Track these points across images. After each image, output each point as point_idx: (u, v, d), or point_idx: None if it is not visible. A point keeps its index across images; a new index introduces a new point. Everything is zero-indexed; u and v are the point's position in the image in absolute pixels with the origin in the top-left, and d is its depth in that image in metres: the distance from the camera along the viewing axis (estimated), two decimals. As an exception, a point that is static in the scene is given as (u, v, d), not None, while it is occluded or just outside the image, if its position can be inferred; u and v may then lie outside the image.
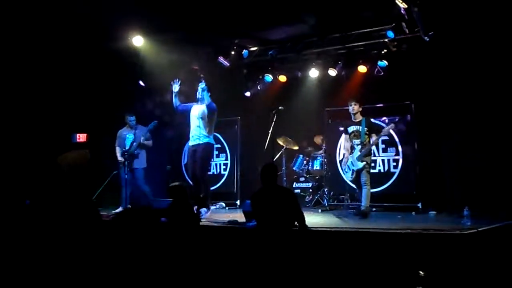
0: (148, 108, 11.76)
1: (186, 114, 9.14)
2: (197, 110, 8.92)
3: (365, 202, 8.35)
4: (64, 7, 8.54)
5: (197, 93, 8.91)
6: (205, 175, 8.91)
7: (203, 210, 8.52)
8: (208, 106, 8.71)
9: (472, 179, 7.95)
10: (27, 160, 10.39)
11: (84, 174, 7.25)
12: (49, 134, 10.92)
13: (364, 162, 8.42)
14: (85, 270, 5.61)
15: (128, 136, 9.96)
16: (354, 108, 8.72)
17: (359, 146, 8.49)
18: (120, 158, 9.84)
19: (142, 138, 9.75)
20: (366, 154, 8.50)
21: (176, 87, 9.08)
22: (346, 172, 8.80)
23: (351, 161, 8.60)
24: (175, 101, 9.11)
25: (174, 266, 6.65)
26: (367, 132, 8.56)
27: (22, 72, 10.50)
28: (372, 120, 8.97)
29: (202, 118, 8.82)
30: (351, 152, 8.66)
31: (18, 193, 8.82)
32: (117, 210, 9.56)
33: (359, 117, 8.70)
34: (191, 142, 8.98)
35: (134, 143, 9.78)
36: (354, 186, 9.06)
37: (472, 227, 6.17)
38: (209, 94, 8.76)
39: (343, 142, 9.02)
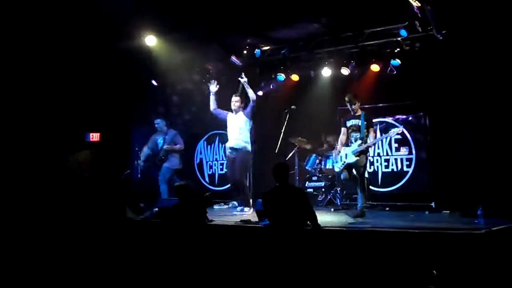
0: (161, 107, 11.82)
1: (219, 120, 9.76)
2: (235, 119, 9.37)
3: (361, 201, 8.26)
4: (78, 6, 8.59)
5: (232, 103, 9.44)
6: (244, 180, 9.38)
7: (246, 208, 9.18)
8: (247, 115, 9.36)
9: (486, 178, 7.88)
10: (40, 159, 10.48)
11: (94, 172, 7.32)
12: (62, 133, 10.99)
13: (357, 158, 8.21)
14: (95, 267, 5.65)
15: (159, 141, 10.52)
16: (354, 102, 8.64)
17: (359, 141, 8.33)
18: (142, 159, 10.52)
19: (166, 145, 10.33)
20: (364, 150, 8.32)
21: (213, 87, 9.52)
22: (336, 162, 8.62)
23: (346, 153, 8.39)
24: (213, 103, 9.59)
25: (181, 264, 6.72)
26: (366, 126, 8.44)
27: (36, 71, 10.58)
28: (383, 119, 8.94)
29: (240, 127, 9.27)
30: (348, 145, 8.48)
31: (30, 192, 8.95)
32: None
33: (358, 112, 8.58)
34: (230, 149, 9.41)
35: (162, 148, 10.35)
36: (342, 178, 8.70)
37: (485, 227, 6.14)
38: (243, 105, 9.42)
39: (340, 135, 8.87)
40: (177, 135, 10.51)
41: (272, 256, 5.69)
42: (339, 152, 8.53)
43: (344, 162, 8.36)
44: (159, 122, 10.55)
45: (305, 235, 6.03)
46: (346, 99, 8.59)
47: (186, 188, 7.32)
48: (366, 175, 8.64)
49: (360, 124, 8.42)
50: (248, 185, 9.96)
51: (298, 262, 5.55)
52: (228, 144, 9.42)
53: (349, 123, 8.59)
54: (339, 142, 8.74)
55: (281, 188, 6.12)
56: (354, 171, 8.32)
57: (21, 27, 9.44)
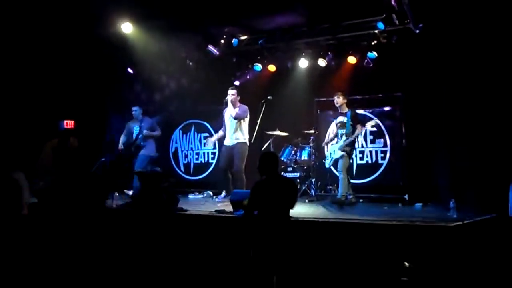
0: (136, 95, 11.74)
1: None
2: (229, 113, 9.33)
3: (341, 190, 8.59)
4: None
5: (229, 96, 9.30)
6: (241, 172, 9.18)
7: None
8: (240, 109, 9.27)
9: (459, 171, 7.98)
10: (15, 146, 10.33)
11: (71, 160, 7.23)
12: (37, 120, 10.86)
13: (343, 152, 8.68)
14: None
15: (135, 128, 10.52)
16: (337, 101, 9.00)
17: (344, 137, 8.76)
18: (120, 146, 10.58)
19: (145, 130, 10.33)
20: (348, 144, 8.71)
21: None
22: (326, 159, 9.27)
23: (334, 150, 8.91)
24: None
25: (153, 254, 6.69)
26: (352, 123, 8.74)
27: (11, 58, 10.41)
28: (358, 111, 9.08)
29: (235, 120, 9.24)
30: (336, 142, 9.01)
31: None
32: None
33: (345, 109, 8.96)
34: (227, 142, 9.42)
35: (140, 135, 10.34)
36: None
37: (458, 220, 6.22)
38: (239, 98, 9.36)
39: (329, 131, 9.16)
40: (154, 122, 10.51)
41: (257, 246, 5.62)
42: (327, 149, 9.11)
43: (332, 158, 8.97)
44: (136, 110, 10.55)
45: (292, 226, 5.96)
46: (340, 98, 8.93)
47: (147, 175, 7.32)
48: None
49: (345, 121, 8.80)
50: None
51: (278, 252, 5.51)
52: (226, 135, 9.47)
53: (337, 120, 9.06)
54: (326, 137, 9.41)
55: (273, 178, 5.92)
56: (338, 165, 8.73)
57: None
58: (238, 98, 9.37)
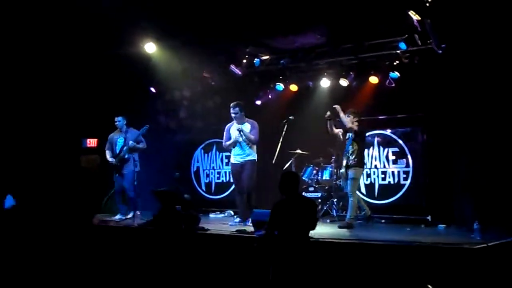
0: (158, 114, 11.83)
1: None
2: (236, 129, 8.92)
3: (349, 213, 8.49)
4: (78, 12, 8.59)
5: (232, 115, 8.95)
6: (251, 189, 8.90)
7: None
8: (250, 124, 8.93)
9: (482, 193, 7.88)
10: (37, 164, 10.49)
11: (94, 178, 7.31)
12: (60, 139, 11.00)
13: (348, 172, 8.64)
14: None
15: (119, 140, 9.91)
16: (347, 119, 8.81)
17: (350, 154, 8.67)
18: (111, 160, 9.84)
19: (131, 142, 9.64)
20: (353, 164, 8.61)
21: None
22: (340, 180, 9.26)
23: (341, 171, 8.98)
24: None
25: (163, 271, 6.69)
26: (354, 139, 8.72)
27: (36, 76, 10.60)
28: (383, 131, 9.06)
29: (243, 136, 8.86)
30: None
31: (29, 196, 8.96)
32: (116, 217, 9.60)
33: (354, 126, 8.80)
34: (234, 160, 9.05)
35: (125, 147, 9.72)
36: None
37: (481, 242, 6.12)
38: (243, 113, 8.89)
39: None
40: (140, 134, 9.74)
41: (276, 266, 5.59)
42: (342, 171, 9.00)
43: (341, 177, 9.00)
44: (120, 120, 9.87)
45: (311, 247, 5.92)
46: (352, 114, 8.83)
47: (167, 194, 7.32)
48: (362, 189, 8.74)
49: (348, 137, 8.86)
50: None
51: (299, 273, 5.47)
52: (233, 152, 9.08)
53: (346, 137, 8.95)
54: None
55: (294, 198, 5.89)
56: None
57: (22, 32, 9.45)
58: (243, 113, 8.93)
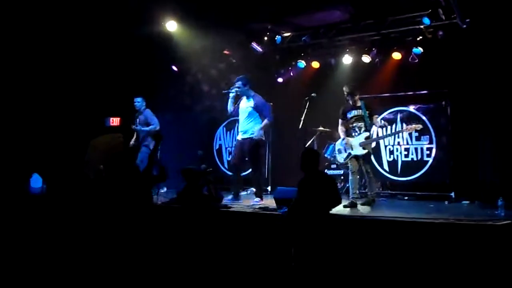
0: (180, 93, 11.87)
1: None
2: (245, 105, 8.72)
3: (352, 191, 8.17)
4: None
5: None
6: (258, 167, 8.79)
7: (256, 199, 8.44)
8: (255, 100, 8.62)
9: (507, 168, 7.81)
10: (61, 143, 10.60)
11: (118, 157, 7.36)
12: (83, 118, 11.10)
13: (366, 150, 8.08)
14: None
15: (137, 119, 10.16)
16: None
17: (365, 133, 8.13)
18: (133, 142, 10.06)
19: (139, 126, 9.97)
20: (369, 140, 8.17)
21: (232, 94, 8.80)
22: (340, 153, 8.52)
23: (351, 145, 8.21)
24: (230, 107, 8.91)
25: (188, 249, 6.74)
26: (369, 115, 8.20)
27: (59, 56, 10.69)
28: (404, 108, 8.88)
29: (250, 112, 8.65)
30: (352, 135, 8.30)
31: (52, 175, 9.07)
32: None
33: (358, 102, 8.30)
34: (240, 136, 8.82)
35: (136, 128, 10.01)
36: (350, 169, 8.44)
37: (506, 218, 6.08)
38: (247, 87, 8.65)
39: (339, 127, 8.64)
40: (152, 115, 9.96)
41: (298, 243, 5.63)
42: (345, 142, 8.33)
43: (350, 153, 8.27)
44: (139, 101, 10.09)
45: (334, 223, 5.95)
46: (348, 90, 8.33)
47: (191, 172, 7.36)
48: (385, 166, 8.61)
49: (362, 113, 8.20)
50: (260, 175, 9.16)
51: (320, 250, 5.51)
52: (239, 128, 8.93)
53: (350, 114, 8.34)
54: (341, 133, 8.51)
55: (314, 176, 5.95)
56: (361, 162, 8.18)
57: (45, 14, 9.53)
58: (247, 88, 8.66)
